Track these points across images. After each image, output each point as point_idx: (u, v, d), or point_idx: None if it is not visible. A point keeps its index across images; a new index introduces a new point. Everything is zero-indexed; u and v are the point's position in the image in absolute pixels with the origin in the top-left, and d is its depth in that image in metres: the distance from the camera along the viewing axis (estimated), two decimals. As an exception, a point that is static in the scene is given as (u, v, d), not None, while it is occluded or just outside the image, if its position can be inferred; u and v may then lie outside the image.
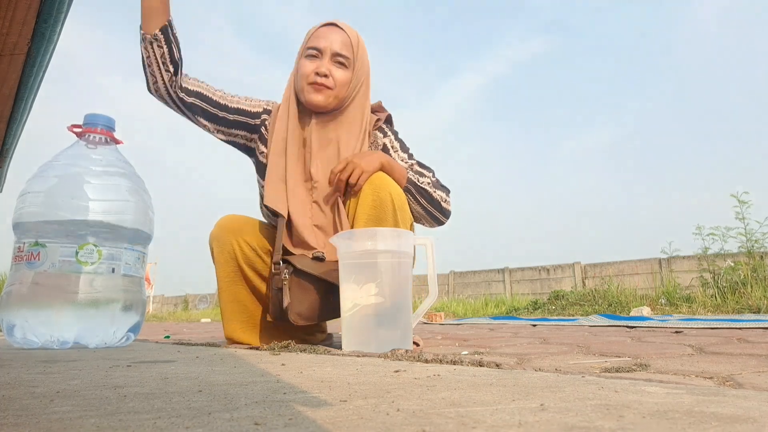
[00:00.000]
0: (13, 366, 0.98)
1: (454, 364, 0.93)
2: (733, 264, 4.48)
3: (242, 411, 0.49)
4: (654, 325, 2.12)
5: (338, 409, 0.49)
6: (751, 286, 3.96)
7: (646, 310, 3.64)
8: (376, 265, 1.26)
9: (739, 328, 1.83)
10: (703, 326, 1.98)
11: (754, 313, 3.27)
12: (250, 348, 1.43)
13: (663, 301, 4.42)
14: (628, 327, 2.18)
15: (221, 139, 1.61)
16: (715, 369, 0.90)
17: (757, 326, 1.85)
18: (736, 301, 3.78)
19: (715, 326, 1.95)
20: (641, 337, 1.64)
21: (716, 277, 4.51)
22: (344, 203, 1.43)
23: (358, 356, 1.12)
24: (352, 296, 1.27)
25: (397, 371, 0.82)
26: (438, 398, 0.54)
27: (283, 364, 0.95)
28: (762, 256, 4.51)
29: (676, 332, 1.78)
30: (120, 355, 1.25)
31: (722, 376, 0.83)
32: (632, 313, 3.64)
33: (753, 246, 4.57)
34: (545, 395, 0.54)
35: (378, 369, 0.85)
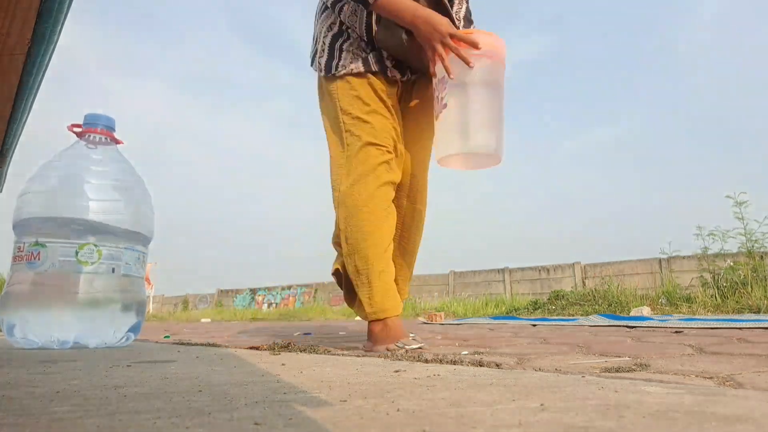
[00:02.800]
0: (13, 366, 0.98)
1: (454, 364, 0.93)
2: (732, 264, 4.47)
3: (242, 411, 0.49)
4: (654, 325, 2.12)
5: (338, 408, 0.49)
6: (751, 286, 3.95)
7: (646, 310, 3.64)
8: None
9: (739, 328, 1.83)
10: (703, 326, 1.98)
11: (754, 313, 3.27)
12: (250, 348, 1.43)
13: (663, 301, 4.42)
14: (628, 327, 2.18)
15: None
16: (715, 369, 0.90)
17: (757, 326, 1.85)
18: (736, 301, 3.77)
19: (715, 326, 1.95)
20: (641, 337, 1.64)
21: (716, 277, 4.51)
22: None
23: (358, 356, 1.12)
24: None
25: (397, 371, 0.82)
26: (438, 398, 0.54)
27: (283, 364, 0.95)
28: (762, 256, 4.51)
29: (677, 332, 1.78)
30: (120, 355, 1.25)
31: (722, 376, 0.83)
32: (632, 313, 3.64)
33: (753, 246, 4.57)
34: (545, 395, 0.54)
35: (378, 369, 0.85)
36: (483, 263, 14.53)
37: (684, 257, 8.99)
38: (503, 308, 6.45)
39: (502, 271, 13.91)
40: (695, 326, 2.00)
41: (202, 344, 1.63)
